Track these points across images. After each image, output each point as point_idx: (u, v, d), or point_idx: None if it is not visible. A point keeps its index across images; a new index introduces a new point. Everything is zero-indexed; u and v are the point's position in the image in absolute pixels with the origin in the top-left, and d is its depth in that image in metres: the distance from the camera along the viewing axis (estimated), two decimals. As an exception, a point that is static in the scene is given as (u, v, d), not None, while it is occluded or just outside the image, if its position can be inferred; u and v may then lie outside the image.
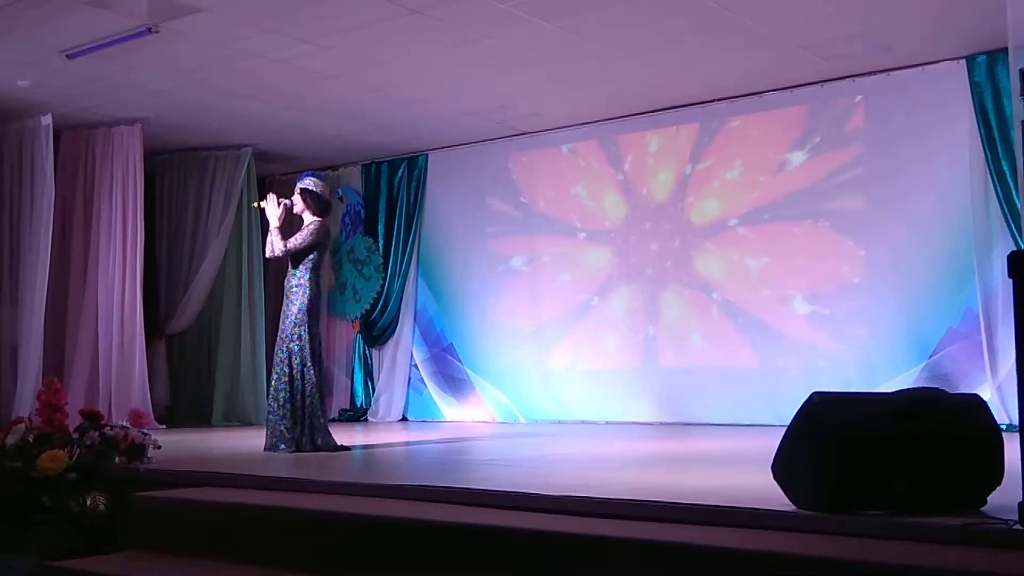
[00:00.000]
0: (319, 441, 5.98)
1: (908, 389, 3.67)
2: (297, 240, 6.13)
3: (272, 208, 6.23)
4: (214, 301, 10.06)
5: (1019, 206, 6.80)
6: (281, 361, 6.01)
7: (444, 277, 10.08)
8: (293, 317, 6.03)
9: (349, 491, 4.20)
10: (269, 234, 6.25)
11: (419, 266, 10.21)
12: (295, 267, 6.14)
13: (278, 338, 6.11)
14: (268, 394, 6.17)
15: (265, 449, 5.96)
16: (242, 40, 6.99)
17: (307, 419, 5.97)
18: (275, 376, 6.05)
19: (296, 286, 6.09)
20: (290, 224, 6.26)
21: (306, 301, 6.04)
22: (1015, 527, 2.75)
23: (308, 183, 6.25)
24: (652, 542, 2.99)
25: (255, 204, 6.88)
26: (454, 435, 7.75)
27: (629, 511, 3.37)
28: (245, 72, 7.66)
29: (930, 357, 7.36)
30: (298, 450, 5.87)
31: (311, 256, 6.15)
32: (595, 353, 9.09)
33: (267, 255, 6.39)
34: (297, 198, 6.23)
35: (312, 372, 6.02)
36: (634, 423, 8.60)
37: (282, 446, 5.88)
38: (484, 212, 9.85)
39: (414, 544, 3.41)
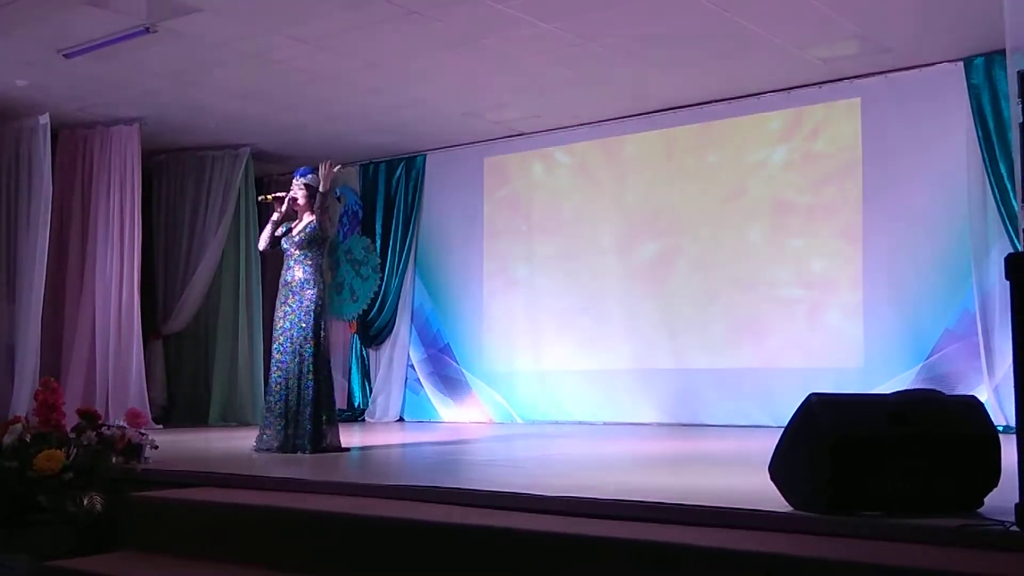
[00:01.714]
0: (327, 441, 5.90)
1: (905, 390, 3.69)
2: (328, 228, 6.14)
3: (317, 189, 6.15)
4: (211, 301, 10.05)
5: (1016, 208, 6.80)
6: (290, 360, 5.87)
7: (441, 277, 10.08)
8: (305, 314, 5.89)
9: (346, 491, 4.20)
10: (268, 227, 6.20)
11: (416, 266, 10.21)
12: (301, 261, 6.01)
13: (282, 336, 5.94)
14: (269, 393, 5.99)
15: (278, 450, 5.84)
16: (240, 40, 6.99)
17: (316, 418, 5.85)
18: (280, 374, 5.90)
19: (304, 281, 5.97)
20: (286, 219, 6.22)
21: (318, 298, 5.96)
22: (1011, 529, 2.75)
23: (311, 180, 6.21)
24: (648, 543, 2.99)
25: (260, 198, 6.84)
26: (451, 436, 7.75)
27: (625, 512, 3.38)
28: (243, 72, 7.65)
29: (927, 358, 7.36)
30: (323, 450, 5.80)
31: (320, 250, 6.11)
32: (592, 354, 9.08)
33: (260, 248, 6.34)
34: (301, 193, 6.17)
35: (327, 370, 5.97)
36: (631, 424, 8.60)
37: (310, 447, 5.78)
38: (481, 213, 9.85)
39: (411, 544, 3.41)
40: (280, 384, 5.91)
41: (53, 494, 4.27)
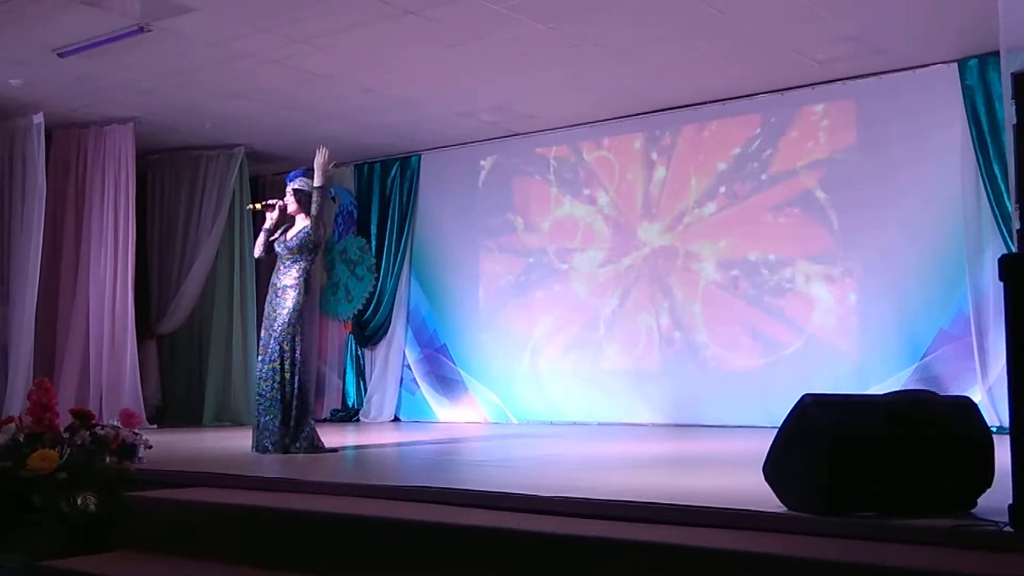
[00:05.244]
0: (308, 442, 5.94)
1: (899, 391, 3.69)
2: (322, 233, 6.17)
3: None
4: (205, 301, 10.05)
5: (1010, 209, 6.81)
6: (272, 360, 5.92)
7: (437, 278, 10.08)
8: (286, 316, 5.94)
9: (340, 491, 4.19)
10: (262, 234, 6.23)
11: (412, 266, 10.21)
12: (291, 265, 6.04)
13: (267, 336, 6.00)
14: (256, 393, 6.05)
15: (253, 450, 5.92)
16: (235, 40, 6.99)
17: (297, 419, 5.93)
18: (263, 375, 5.95)
19: (290, 285, 6.00)
20: (281, 225, 6.24)
21: (300, 300, 5.98)
22: (1005, 529, 2.76)
23: (300, 184, 6.22)
24: (642, 543, 2.99)
25: (249, 207, 6.88)
26: (446, 436, 7.74)
27: (620, 512, 3.38)
28: (238, 72, 7.65)
29: (921, 359, 7.38)
30: (286, 451, 5.84)
31: (311, 255, 6.12)
32: (587, 354, 9.09)
33: (256, 255, 6.41)
34: (291, 198, 6.20)
35: (305, 372, 6.00)
36: (626, 424, 8.61)
37: (270, 447, 5.84)
38: (477, 213, 9.85)
39: (404, 544, 3.41)
40: (264, 384, 5.95)
41: (47, 494, 4.26)
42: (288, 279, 6.03)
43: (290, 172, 6.41)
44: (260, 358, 6.05)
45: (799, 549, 2.82)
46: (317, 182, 6.11)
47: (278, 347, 5.94)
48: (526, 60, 7.38)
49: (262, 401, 5.94)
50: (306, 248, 6.07)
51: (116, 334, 8.92)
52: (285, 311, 5.97)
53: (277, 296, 6.04)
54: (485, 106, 8.67)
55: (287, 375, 5.92)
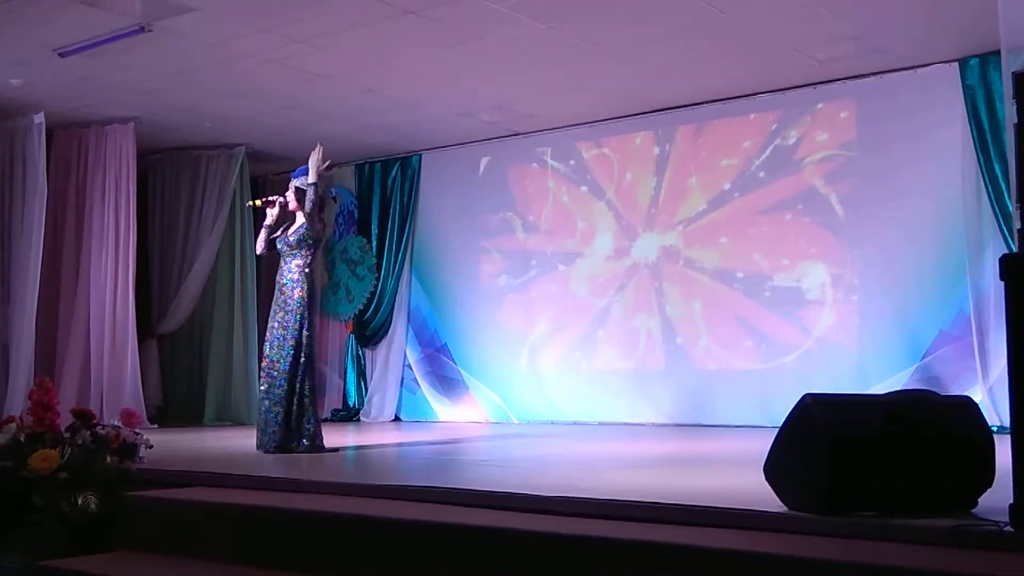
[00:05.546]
0: (310, 441, 5.95)
1: (900, 391, 3.69)
2: (319, 228, 6.20)
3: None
4: (206, 301, 10.05)
5: (1011, 208, 6.81)
6: (280, 359, 5.92)
7: (438, 277, 10.08)
8: (293, 313, 5.96)
9: (341, 491, 4.19)
10: (263, 231, 6.25)
11: (413, 266, 10.22)
12: (292, 261, 6.07)
13: (273, 335, 6.00)
14: (261, 392, 6.06)
15: (257, 448, 5.94)
16: (236, 40, 6.99)
17: (298, 417, 5.93)
18: (267, 373, 5.97)
19: (291, 281, 6.03)
20: (282, 222, 6.27)
21: (304, 296, 6.00)
22: (1005, 529, 2.76)
23: (301, 182, 6.24)
24: (643, 543, 2.99)
25: (249, 203, 6.89)
26: (447, 435, 7.74)
27: (620, 512, 3.38)
28: (238, 72, 7.65)
29: (922, 359, 7.38)
30: (286, 450, 5.85)
31: (310, 251, 6.14)
32: (588, 354, 9.09)
33: (258, 252, 6.45)
34: (291, 195, 6.22)
35: (312, 370, 6.01)
36: (627, 424, 8.61)
37: (271, 446, 5.85)
38: (477, 212, 9.85)
39: (405, 544, 3.41)
40: (272, 383, 5.96)
41: (47, 494, 4.26)
42: (290, 275, 6.07)
43: (292, 171, 6.44)
44: (264, 356, 6.06)
45: (799, 549, 2.82)
46: (310, 179, 6.16)
47: (282, 345, 5.95)
48: (526, 60, 7.38)
49: (265, 399, 5.96)
50: (305, 244, 6.10)
51: (117, 334, 8.93)
52: (289, 308, 5.99)
53: (281, 293, 6.08)
54: (485, 106, 8.67)
55: (291, 373, 5.92)
